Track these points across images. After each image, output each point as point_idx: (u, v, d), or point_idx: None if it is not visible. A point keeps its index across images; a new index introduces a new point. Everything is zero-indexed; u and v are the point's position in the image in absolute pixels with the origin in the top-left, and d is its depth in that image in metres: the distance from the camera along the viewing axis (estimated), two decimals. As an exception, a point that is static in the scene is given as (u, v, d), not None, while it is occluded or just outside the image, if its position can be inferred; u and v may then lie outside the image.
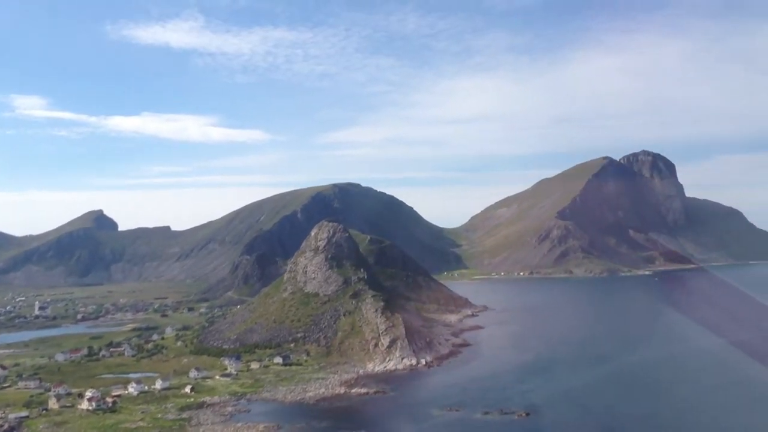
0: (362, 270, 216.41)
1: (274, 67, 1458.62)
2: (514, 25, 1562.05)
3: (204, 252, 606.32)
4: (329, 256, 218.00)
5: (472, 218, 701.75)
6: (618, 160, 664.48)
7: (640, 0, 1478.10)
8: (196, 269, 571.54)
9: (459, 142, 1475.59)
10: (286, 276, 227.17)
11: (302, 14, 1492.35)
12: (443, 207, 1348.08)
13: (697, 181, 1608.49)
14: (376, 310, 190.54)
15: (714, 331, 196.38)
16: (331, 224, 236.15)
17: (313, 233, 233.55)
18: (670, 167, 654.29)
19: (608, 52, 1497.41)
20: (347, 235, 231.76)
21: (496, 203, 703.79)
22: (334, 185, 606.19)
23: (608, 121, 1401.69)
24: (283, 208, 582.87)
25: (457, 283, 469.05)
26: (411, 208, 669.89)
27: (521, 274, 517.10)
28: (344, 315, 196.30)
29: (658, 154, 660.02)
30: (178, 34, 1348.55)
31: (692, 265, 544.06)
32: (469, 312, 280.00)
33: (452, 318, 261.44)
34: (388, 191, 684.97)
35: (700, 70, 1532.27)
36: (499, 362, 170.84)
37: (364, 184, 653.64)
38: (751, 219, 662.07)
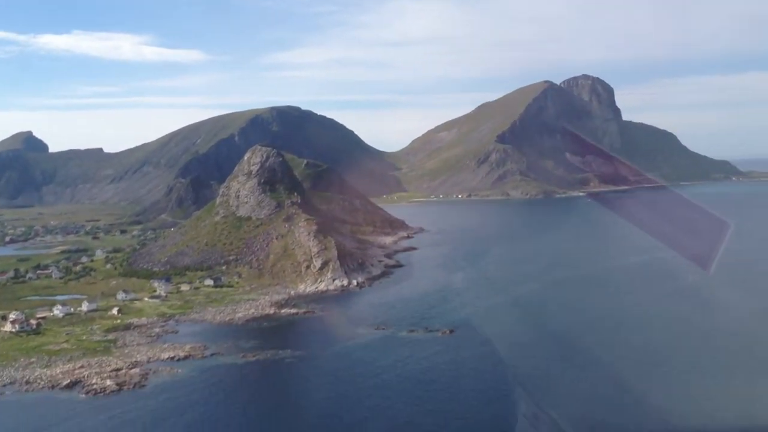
0: (296, 194, 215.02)
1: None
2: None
3: (138, 175, 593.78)
4: (262, 180, 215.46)
5: (414, 141, 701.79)
6: (559, 84, 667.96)
7: None
8: (130, 192, 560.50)
9: (405, 65, 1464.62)
10: (218, 200, 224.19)
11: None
12: (388, 130, 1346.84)
13: (635, 105, 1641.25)
14: (309, 233, 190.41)
15: (632, 249, 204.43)
16: (264, 148, 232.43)
17: (246, 157, 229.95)
18: (608, 91, 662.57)
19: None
20: (281, 159, 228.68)
21: (437, 127, 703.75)
22: (273, 108, 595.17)
23: (551, 45, 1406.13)
24: (220, 131, 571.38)
25: (397, 206, 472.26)
26: (352, 132, 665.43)
27: (459, 196, 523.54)
28: (277, 238, 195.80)
29: (598, 78, 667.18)
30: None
31: (625, 187, 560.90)
32: (405, 234, 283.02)
33: (388, 240, 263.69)
34: (334, 114, 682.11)
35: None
36: (428, 282, 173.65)
37: (308, 107, 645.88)
38: (684, 142, 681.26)
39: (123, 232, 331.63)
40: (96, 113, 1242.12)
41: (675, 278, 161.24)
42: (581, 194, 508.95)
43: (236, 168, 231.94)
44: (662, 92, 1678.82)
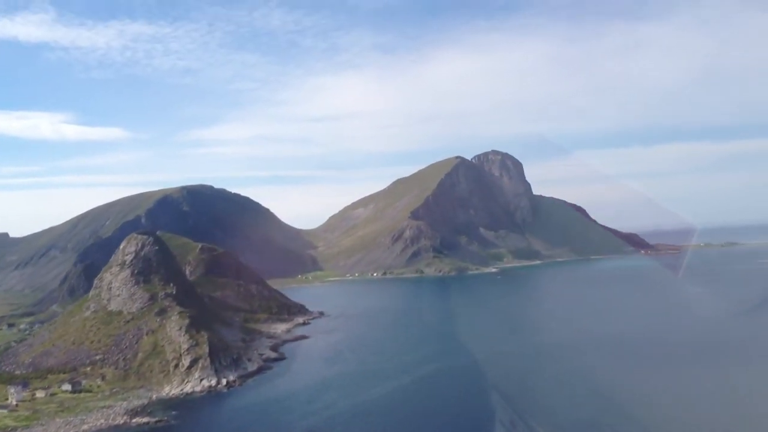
0: (171, 285, 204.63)
1: (133, 62, 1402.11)
2: (379, 24, 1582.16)
3: (45, 260, 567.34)
4: (136, 270, 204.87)
5: (331, 218, 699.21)
6: (470, 159, 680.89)
7: (498, 2, 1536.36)
8: (35, 279, 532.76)
9: (327, 140, 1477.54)
10: (91, 293, 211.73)
11: (161, 8, 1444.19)
12: (308, 206, 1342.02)
13: (547, 179, 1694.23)
14: (180, 328, 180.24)
15: (531, 333, 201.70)
16: (140, 236, 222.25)
17: (121, 246, 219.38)
18: (518, 166, 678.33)
19: (469, 52, 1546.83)
20: (157, 247, 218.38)
21: (354, 203, 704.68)
22: (183, 188, 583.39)
23: (470, 119, 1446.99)
24: (129, 213, 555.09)
25: (310, 287, 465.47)
26: (268, 210, 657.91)
27: (375, 274, 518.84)
28: (147, 334, 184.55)
29: (507, 153, 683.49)
30: (27, 27, 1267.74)
31: (538, 261, 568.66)
32: (302, 320, 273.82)
33: (281, 328, 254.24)
34: (255, 191, 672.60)
35: (557, 70, 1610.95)
36: (303, 378, 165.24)
37: (230, 184, 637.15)
38: (594, 215, 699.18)
39: (11, 325, 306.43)
40: (11, 194, 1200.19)
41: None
42: (493, 270, 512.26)
43: (112, 257, 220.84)
44: (573, 165, 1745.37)
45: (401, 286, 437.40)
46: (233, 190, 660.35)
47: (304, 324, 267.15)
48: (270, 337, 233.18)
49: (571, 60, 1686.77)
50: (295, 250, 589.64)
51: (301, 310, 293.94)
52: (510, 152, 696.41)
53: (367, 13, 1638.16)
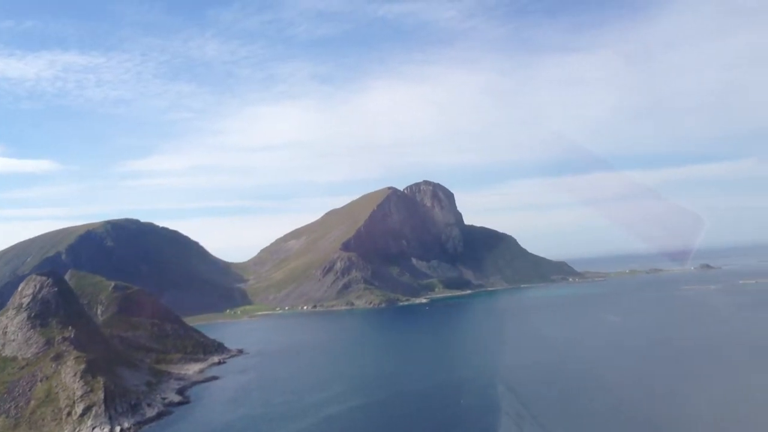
0: (70, 328, 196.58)
1: (64, 93, 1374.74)
2: (316, 54, 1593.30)
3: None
4: (33, 314, 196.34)
5: (263, 251, 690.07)
6: (402, 190, 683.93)
7: (434, 34, 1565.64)
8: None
9: (264, 170, 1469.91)
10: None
11: (93, 39, 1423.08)
12: (246, 237, 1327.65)
13: (478, 208, 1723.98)
14: (75, 374, 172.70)
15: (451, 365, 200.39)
16: (39, 277, 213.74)
17: (19, 288, 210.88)
18: (449, 196, 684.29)
19: (406, 83, 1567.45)
20: (56, 289, 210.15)
21: (286, 235, 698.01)
22: (107, 222, 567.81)
23: (406, 149, 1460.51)
24: (51, 249, 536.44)
25: (238, 322, 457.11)
26: (197, 243, 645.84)
27: (305, 308, 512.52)
28: (41, 380, 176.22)
29: (438, 184, 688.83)
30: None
31: (469, 291, 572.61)
32: (217, 360, 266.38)
33: (194, 368, 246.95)
34: (191, 223, 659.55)
35: (491, 101, 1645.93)
36: (203, 424, 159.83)
37: (164, 216, 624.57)
38: (523, 244, 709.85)
39: None
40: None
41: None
42: (424, 301, 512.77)
43: (9, 301, 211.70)
44: (505, 195, 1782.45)
45: (328, 320, 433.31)
46: (169, 222, 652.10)
47: (219, 363, 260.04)
48: (179, 378, 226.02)
49: (505, 92, 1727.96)
50: (224, 284, 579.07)
51: (219, 348, 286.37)
52: (444, 182, 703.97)
53: (304, 44, 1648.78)
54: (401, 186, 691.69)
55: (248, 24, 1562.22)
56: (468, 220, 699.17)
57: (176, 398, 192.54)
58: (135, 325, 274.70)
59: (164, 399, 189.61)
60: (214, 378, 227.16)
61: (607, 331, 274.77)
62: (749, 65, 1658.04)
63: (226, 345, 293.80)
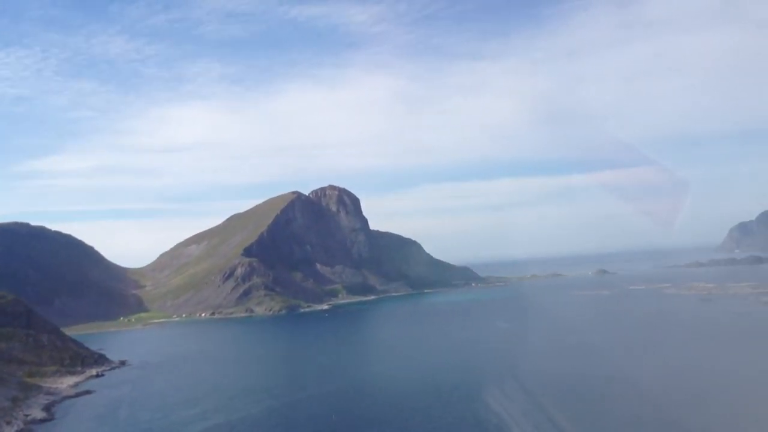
0: None
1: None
2: (226, 55, 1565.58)
3: None
4: None
5: (162, 256, 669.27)
6: (307, 194, 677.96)
7: (346, 38, 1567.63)
8: None
9: (171, 172, 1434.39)
10: None
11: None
12: (149, 241, 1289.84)
13: (384, 213, 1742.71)
14: None
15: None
16: None
17: None
18: (355, 201, 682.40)
19: (318, 86, 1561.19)
20: None
21: (187, 240, 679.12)
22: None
23: (316, 153, 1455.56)
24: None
25: (129, 331, 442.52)
26: (92, 248, 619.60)
27: (203, 315, 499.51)
28: None
29: (344, 189, 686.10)
30: None
31: (373, 296, 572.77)
32: (95, 372, 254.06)
33: (69, 382, 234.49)
34: (92, 225, 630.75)
35: (402, 105, 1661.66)
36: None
37: (64, 218, 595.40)
38: (429, 249, 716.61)
39: None
40: None
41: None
42: (326, 307, 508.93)
43: None
44: (411, 199, 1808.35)
45: (224, 328, 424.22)
46: (68, 225, 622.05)
47: (97, 376, 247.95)
48: (50, 393, 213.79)
49: (415, 97, 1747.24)
50: (119, 291, 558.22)
51: (99, 360, 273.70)
52: (354, 186, 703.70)
53: (213, 44, 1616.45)
54: (311, 189, 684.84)
55: (155, 21, 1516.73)
56: (378, 225, 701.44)
57: (40, 415, 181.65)
58: (7, 336, 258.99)
59: (27, 416, 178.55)
60: (87, 392, 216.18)
61: (492, 338, 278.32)
62: (647, 75, 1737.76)
63: (108, 356, 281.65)
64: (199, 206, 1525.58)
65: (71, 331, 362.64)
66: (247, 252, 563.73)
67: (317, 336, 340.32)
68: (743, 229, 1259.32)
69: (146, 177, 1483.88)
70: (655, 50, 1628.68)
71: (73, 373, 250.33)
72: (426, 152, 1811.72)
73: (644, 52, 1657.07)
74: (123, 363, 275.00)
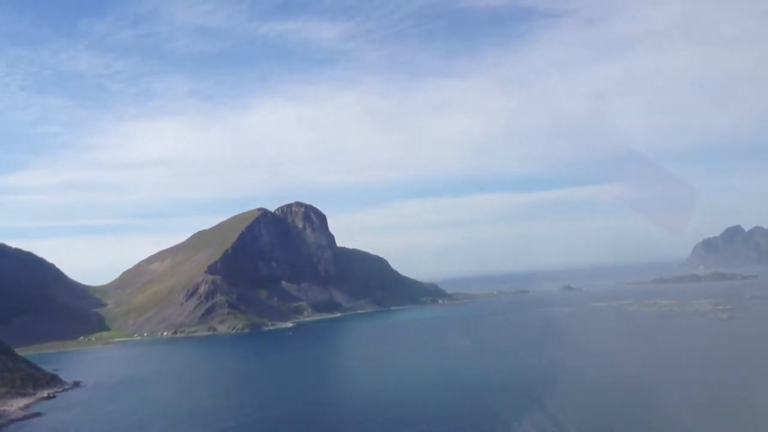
0: None
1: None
2: (195, 70, 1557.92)
3: None
4: None
5: (125, 273, 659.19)
6: (273, 211, 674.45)
7: (316, 54, 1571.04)
8: None
9: (138, 189, 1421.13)
10: None
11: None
12: (113, 258, 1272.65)
13: (351, 230, 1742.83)
14: None
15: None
16: None
17: None
18: (321, 218, 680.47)
19: (287, 102, 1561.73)
20: None
21: (151, 257, 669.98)
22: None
23: (285, 169, 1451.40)
24: None
25: (89, 350, 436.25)
26: (52, 266, 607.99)
27: (165, 333, 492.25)
28: None
29: (311, 206, 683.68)
30: None
31: (339, 314, 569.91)
32: (47, 393, 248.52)
33: (18, 404, 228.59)
34: (56, 242, 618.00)
35: (371, 122, 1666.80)
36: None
37: (29, 236, 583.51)
38: (396, 266, 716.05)
39: None
40: None
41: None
42: (290, 325, 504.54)
43: None
44: (382, 215, 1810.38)
45: (185, 347, 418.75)
46: (31, 242, 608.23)
47: (48, 398, 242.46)
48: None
49: (384, 113, 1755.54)
50: (80, 309, 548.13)
51: (51, 381, 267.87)
52: (323, 203, 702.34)
53: (182, 59, 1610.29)
54: (278, 206, 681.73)
55: (123, 37, 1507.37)
56: (347, 242, 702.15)
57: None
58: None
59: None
60: (37, 415, 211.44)
61: (452, 356, 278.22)
62: (613, 94, 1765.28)
63: (63, 377, 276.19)
64: (164, 223, 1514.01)
65: (29, 351, 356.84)
66: (211, 269, 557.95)
67: (277, 355, 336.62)
68: (708, 245, 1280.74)
69: (112, 193, 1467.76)
70: (622, 69, 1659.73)
71: (23, 395, 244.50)
72: (396, 169, 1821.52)
73: (611, 71, 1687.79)
74: (77, 384, 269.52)
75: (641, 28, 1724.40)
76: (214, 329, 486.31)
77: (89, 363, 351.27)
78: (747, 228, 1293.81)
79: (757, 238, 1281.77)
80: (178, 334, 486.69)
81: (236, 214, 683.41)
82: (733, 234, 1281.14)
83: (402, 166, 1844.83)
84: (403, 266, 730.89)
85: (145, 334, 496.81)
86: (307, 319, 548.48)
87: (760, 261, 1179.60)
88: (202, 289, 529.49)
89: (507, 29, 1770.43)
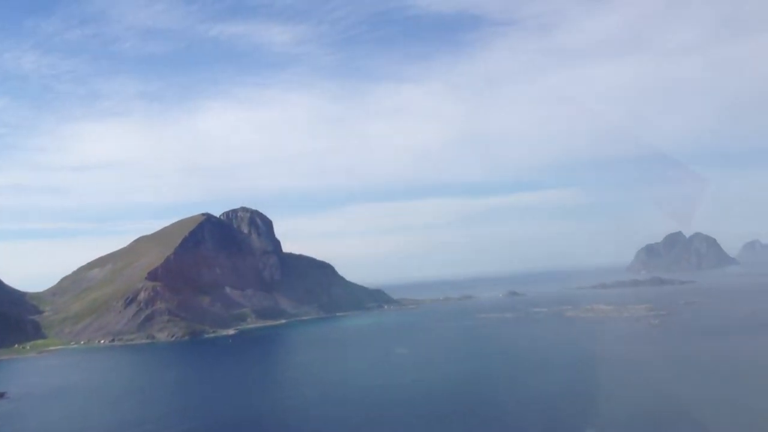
0: None
1: None
2: (144, 72, 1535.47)
3: None
4: None
5: (63, 279, 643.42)
6: (218, 216, 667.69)
7: (268, 57, 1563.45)
8: None
9: (84, 191, 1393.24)
10: None
11: None
12: (55, 263, 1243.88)
13: (298, 235, 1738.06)
14: None
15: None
16: None
17: None
18: (267, 224, 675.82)
19: (239, 105, 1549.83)
20: None
21: (91, 262, 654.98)
22: None
23: (238, 173, 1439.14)
24: None
25: (22, 359, 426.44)
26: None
27: (102, 342, 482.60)
28: None
29: (257, 211, 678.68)
30: None
31: (283, 320, 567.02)
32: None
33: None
34: None
35: (324, 126, 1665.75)
36: None
37: None
38: (343, 271, 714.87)
39: None
40: None
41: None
42: (231, 332, 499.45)
43: None
44: (333, 219, 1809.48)
45: (121, 355, 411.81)
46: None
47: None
48: None
49: (337, 118, 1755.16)
50: (15, 316, 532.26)
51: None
52: (274, 207, 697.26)
53: (131, 60, 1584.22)
54: (227, 210, 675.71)
55: (70, 37, 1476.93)
56: (297, 247, 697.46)
57: None
58: None
59: None
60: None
61: (385, 365, 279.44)
62: (563, 101, 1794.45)
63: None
64: (107, 227, 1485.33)
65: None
66: (152, 276, 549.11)
67: (212, 364, 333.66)
68: (650, 250, 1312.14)
69: (55, 196, 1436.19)
70: (571, 77, 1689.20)
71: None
72: (349, 173, 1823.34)
73: (560, 79, 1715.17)
74: (1, 396, 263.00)
75: (589, 38, 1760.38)
76: (153, 337, 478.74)
77: (19, 372, 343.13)
78: (687, 234, 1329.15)
79: (696, 244, 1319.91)
80: (116, 342, 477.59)
81: (181, 218, 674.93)
82: (674, 240, 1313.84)
83: (354, 171, 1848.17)
84: (350, 272, 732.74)
85: (82, 342, 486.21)
86: (250, 326, 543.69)
87: (700, 266, 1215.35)
88: (142, 296, 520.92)
89: (459, 36, 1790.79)
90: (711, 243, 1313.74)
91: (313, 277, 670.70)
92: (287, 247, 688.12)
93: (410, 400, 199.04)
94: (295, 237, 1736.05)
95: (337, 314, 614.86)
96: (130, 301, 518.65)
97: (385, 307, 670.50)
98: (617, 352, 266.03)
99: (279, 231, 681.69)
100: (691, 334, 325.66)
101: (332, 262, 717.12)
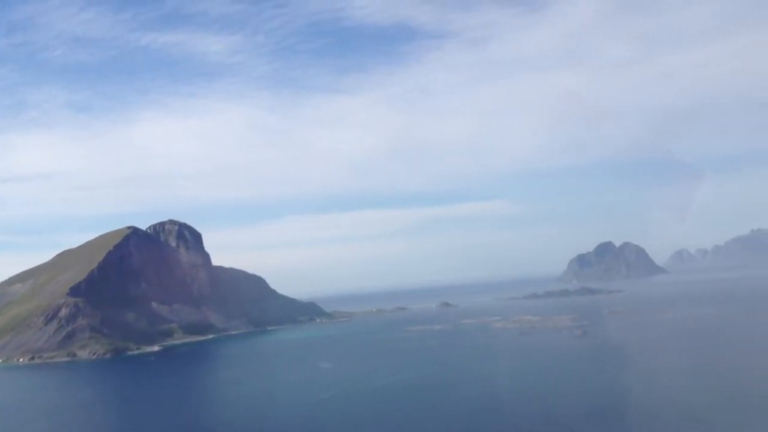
0: None
1: None
2: (72, 81, 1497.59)
3: None
4: None
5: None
6: (144, 229, 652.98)
7: (201, 67, 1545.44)
8: None
9: (6, 204, 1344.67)
10: None
11: None
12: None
13: (229, 248, 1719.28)
14: None
15: None
16: None
17: None
18: (196, 237, 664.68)
19: (171, 115, 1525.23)
20: None
21: (12, 277, 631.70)
22: None
23: (171, 183, 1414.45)
24: None
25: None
26: None
27: (21, 360, 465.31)
28: None
29: (185, 224, 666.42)
30: None
31: (212, 335, 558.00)
32: None
33: None
34: None
35: (260, 137, 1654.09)
36: None
37: None
38: (275, 284, 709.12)
39: None
40: None
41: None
42: (156, 349, 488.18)
43: None
44: (267, 231, 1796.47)
45: (38, 374, 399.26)
46: None
47: None
48: None
49: (272, 128, 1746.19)
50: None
51: None
52: (206, 219, 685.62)
53: (59, 70, 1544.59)
54: (157, 222, 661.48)
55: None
56: (229, 260, 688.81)
57: None
58: None
59: None
60: None
61: (307, 381, 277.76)
62: (498, 113, 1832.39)
63: None
64: (32, 241, 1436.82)
65: None
66: (75, 291, 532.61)
67: (134, 381, 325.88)
68: (581, 260, 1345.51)
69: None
70: (505, 89, 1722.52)
71: None
72: (284, 184, 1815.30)
73: (495, 91, 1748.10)
74: None
75: (523, 50, 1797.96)
76: (74, 354, 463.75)
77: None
78: (618, 244, 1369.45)
79: (626, 253, 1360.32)
80: (36, 360, 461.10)
81: (109, 230, 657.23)
82: (604, 249, 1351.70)
83: (290, 182, 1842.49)
84: (283, 285, 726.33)
85: (1, 361, 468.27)
86: (176, 341, 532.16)
87: (629, 275, 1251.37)
88: (63, 312, 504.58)
89: (393, 48, 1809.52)
90: (640, 252, 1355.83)
91: (244, 291, 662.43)
92: (220, 260, 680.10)
93: (324, 418, 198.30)
94: (230, 249, 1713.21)
95: (268, 328, 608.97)
96: (50, 318, 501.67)
97: (318, 320, 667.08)
98: (529, 366, 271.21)
99: (211, 243, 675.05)
100: (606, 347, 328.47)
101: (266, 275, 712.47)
